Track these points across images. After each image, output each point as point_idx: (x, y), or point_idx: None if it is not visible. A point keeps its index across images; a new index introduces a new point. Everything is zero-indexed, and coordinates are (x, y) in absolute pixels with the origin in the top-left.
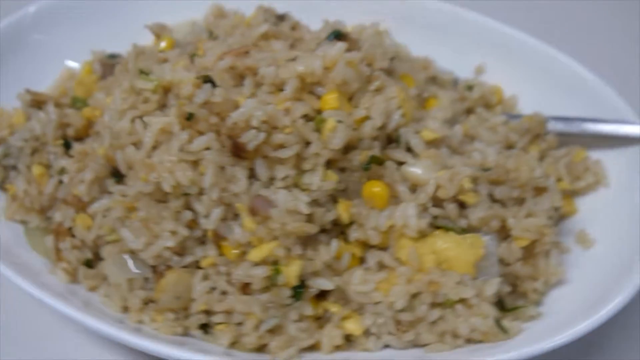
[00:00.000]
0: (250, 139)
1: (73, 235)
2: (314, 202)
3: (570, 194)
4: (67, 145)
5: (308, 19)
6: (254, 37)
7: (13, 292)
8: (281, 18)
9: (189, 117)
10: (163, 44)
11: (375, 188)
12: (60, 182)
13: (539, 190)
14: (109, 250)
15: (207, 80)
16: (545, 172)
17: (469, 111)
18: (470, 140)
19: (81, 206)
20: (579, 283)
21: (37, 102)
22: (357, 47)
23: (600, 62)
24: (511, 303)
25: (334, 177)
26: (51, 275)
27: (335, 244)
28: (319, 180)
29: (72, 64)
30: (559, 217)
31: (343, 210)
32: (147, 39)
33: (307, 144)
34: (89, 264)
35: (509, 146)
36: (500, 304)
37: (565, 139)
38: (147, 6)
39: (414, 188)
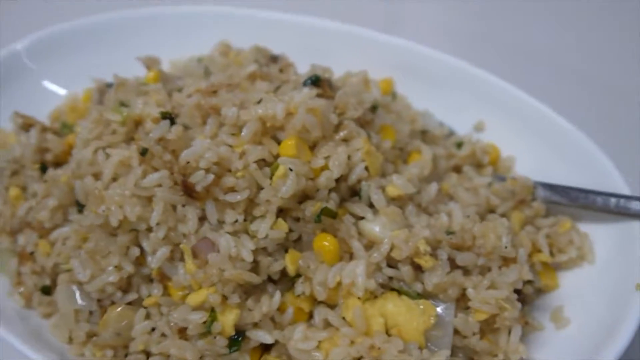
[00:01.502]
0: (199, 180)
1: (35, 261)
2: (262, 251)
3: (555, 268)
4: (43, 170)
5: (312, 61)
6: (240, 77)
7: None
8: (274, 59)
9: (144, 152)
10: (149, 76)
11: (325, 242)
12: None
13: (507, 261)
14: (63, 279)
15: (166, 116)
16: (518, 241)
17: (457, 169)
18: (448, 199)
19: (44, 232)
20: None
21: (26, 125)
22: (331, 95)
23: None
24: None
25: (283, 227)
26: (9, 297)
27: (278, 295)
28: (268, 229)
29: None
30: (538, 291)
31: (290, 262)
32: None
33: (261, 189)
34: (46, 290)
35: (490, 210)
36: None
37: (556, 208)
38: (150, 38)
39: (370, 245)
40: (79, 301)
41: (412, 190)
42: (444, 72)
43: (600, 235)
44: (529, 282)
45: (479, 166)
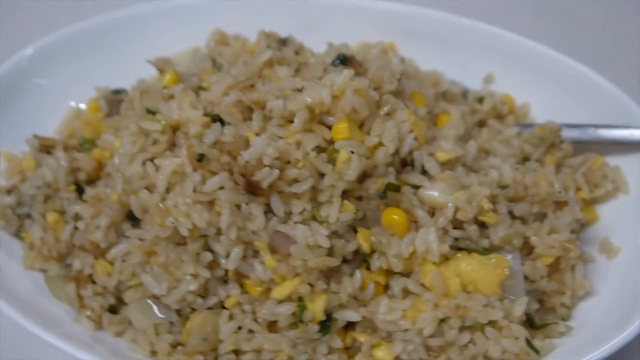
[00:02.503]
0: (264, 177)
1: (94, 282)
2: (334, 234)
3: (591, 202)
4: (79, 190)
5: (310, 38)
6: (257, 65)
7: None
8: (284, 42)
9: (200, 158)
10: (167, 78)
11: (395, 216)
12: (76, 228)
13: (559, 204)
14: (132, 296)
15: (216, 118)
16: (564, 185)
17: (481, 124)
18: (484, 155)
19: (99, 252)
20: (607, 294)
21: (45, 147)
22: (364, 71)
23: (600, 64)
24: (540, 320)
25: (351, 208)
26: (76, 323)
27: (359, 275)
28: (337, 212)
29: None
30: (581, 226)
31: (363, 240)
32: (149, 71)
33: (321, 175)
34: (113, 309)
35: (525, 158)
36: (529, 322)
37: (580, 147)
38: (144, 36)
39: (432, 211)
40: (158, 314)
41: (461, 152)
42: (442, 30)
43: (629, 166)
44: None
45: (499, 117)
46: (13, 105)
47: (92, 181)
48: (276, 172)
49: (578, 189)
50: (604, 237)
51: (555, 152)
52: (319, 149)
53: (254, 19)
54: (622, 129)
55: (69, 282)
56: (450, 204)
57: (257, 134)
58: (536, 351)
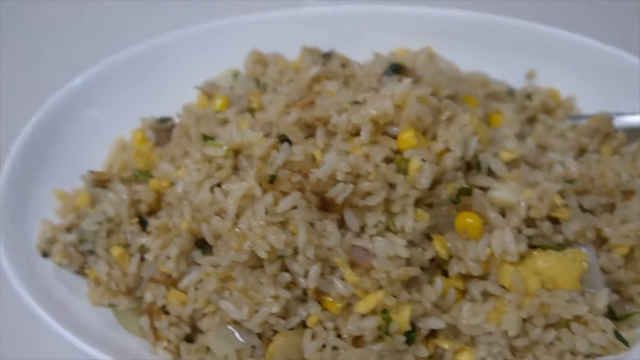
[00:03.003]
0: (339, 193)
1: (167, 312)
2: (410, 244)
3: None
4: (142, 222)
5: (346, 49)
6: (305, 82)
7: None
8: (327, 56)
9: (272, 179)
10: (219, 102)
11: (469, 219)
12: (142, 260)
13: (627, 194)
14: (209, 323)
15: (283, 139)
16: (629, 174)
17: (531, 120)
18: (542, 150)
19: (171, 282)
20: None
21: (101, 182)
22: (418, 78)
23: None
24: (620, 310)
25: (425, 216)
26: (153, 355)
27: (439, 282)
28: (412, 222)
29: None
30: None
31: (440, 247)
32: (187, 97)
33: (392, 186)
34: (189, 338)
35: (581, 150)
36: (611, 314)
37: (632, 135)
38: (178, 62)
39: (502, 212)
40: (240, 339)
41: (525, 150)
42: (476, 30)
43: None
44: None
45: (549, 112)
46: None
47: (152, 212)
48: (350, 187)
49: (639, 176)
50: None
51: (610, 142)
52: (386, 160)
53: (283, 34)
54: None
55: (141, 315)
56: (522, 203)
57: (323, 151)
58: (625, 342)
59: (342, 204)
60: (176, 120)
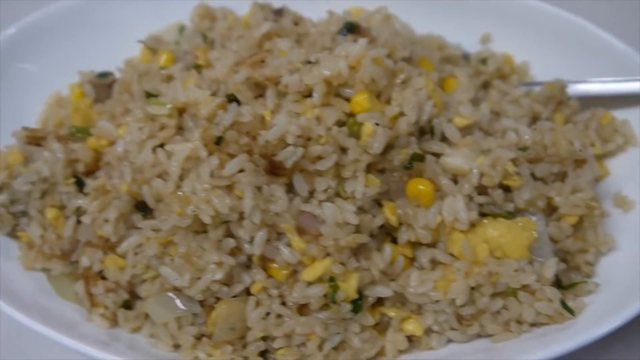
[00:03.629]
0: (288, 157)
1: (104, 278)
2: (360, 210)
3: (600, 156)
4: (79, 183)
5: (300, 6)
6: (256, 39)
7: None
8: (279, 13)
9: (218, 141)
10: (164, 58)
11: (420, 186)
12: (79, 222)
13: (578, 162)
14: (148, 289)
15: (232, 98)
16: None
17: (486, 85)
18: (496, 117)
19: (109, 246)
20: (628, 248)
21: (35, 139)
22: (372, 38)
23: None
24: (567, 279)
25: (376, 182)
26: (88, 322)
27: (388, 249)
28: (363, 187)
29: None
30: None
31: (390, 214)
32: (131, 51)
33: (343, 150)
34: (127, 305)
35: (535, 118)
36: (557, 282)
37: (585, 102)
38: (120, 14)
39: (454, 179)
40: (181, 307)
41: (480, 117)
42: None
43: (636, 119)
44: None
45: (503, 78)
46: None
47: (90, 172)
48: (300, 150)
49: (591, 144)
50: (616, 191)
51: (563, 110)
52: (339, 123)
53: None
54: (627, 81)
55: (76, 281)
56: (475, 170)
57: (273, 112)
58: (571, 311)
59: (292, 168)
60: (117, 75)
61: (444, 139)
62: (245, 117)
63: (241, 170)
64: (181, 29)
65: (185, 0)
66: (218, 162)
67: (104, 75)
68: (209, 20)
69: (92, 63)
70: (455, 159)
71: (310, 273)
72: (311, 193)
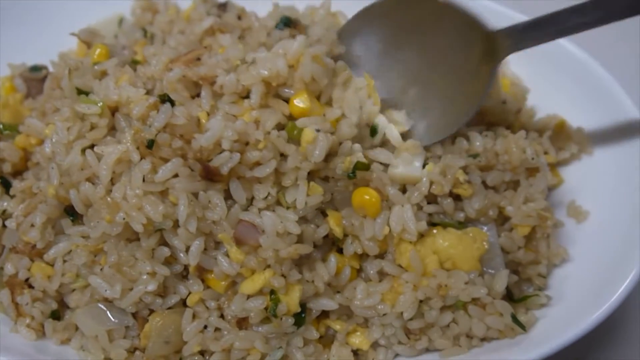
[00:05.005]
0: (224, 162)
1: (31, 286)
2: (302, 220)
3: (554, 165)
4: (5, 184)
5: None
6: (197, 34)
7: None
8: (223, 7)
9: (150, 144)
10: (97, 52)
11: (366, 196)
12: (4, 226)
13: (531, 171)
14: (78, 299)
15: (165, 98)
16: (535, 150)
17: None
18: None
19: (36, 253)
20: (580, 260)
21: None
22: (307, 34)
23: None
24: (518, 292)
25: (318, 190)
26: (14, 334)
27: (334, 260)
28: (304, 196)
29: None
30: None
31: (335, 225)
32: (68, 44)
33: (283, 156)
34: (56, 315)
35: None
36: (509, 295)
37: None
38: (61, 5)
39: (403, 188)
40: (112, 319)
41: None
42: None
43: (591, 126)
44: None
45: None
46: None
47: (17, 173)
48: (237, 156)
49: (545, 152)
50: (570, 200)
51: (520, 117)
52: (278, 127)
53: None
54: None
55: (1, 289)
56: (424, 179)
57: (209, 113)
58: (522, 326)
59: (229, 174)
60: (51, 69)
61: (384, 144)
62: (179, 119)
63: (175, 175)
64: (121, 21)
65: None
66: (150, 166)
67: (36, 68)
68: (151, 12)
69: (26, 55)
70: (403, 167)
71: (249, 286)
72: (251, 201)
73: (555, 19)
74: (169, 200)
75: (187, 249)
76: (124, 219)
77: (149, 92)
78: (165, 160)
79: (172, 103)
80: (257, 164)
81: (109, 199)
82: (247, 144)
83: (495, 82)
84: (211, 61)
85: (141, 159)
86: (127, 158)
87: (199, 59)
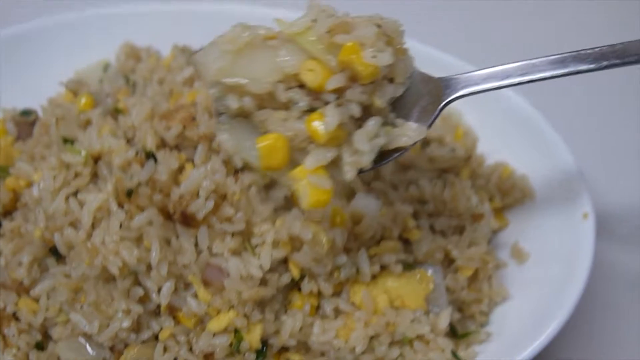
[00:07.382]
0: (199, 208)
1: (17, 319)
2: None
3: (500, 209)
4: None
5: None
6: (177, 83)
7: None
8: None
9: (129, 193)
10: (83, 102)
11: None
12: None
13: (476, 217)
14: (60, 332)
15: (150, 155)
16: (480, 198)
17: None
18: (403, 169)
19: (22, 289)
20: (520, 298)
21: None
22: None
23: None
24: (462, 328)
25: (286, 247)
26: None
27: (299, 316)
28: (270, 256)
29: None
30: (492, 232)
31: (294, 268)
32: (56, 88)
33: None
34: (40, 346)
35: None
36: (452, 331)
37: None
38: (47, 49)
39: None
40: (90, 352)
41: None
42: None
43: (534, 173)
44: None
45: None
46: None
47: (7, 213)
48: (211, 203)
49: (490, 198)
50: (514, 242)
51: (470, 164)
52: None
53: (165, 29)
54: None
55: None
56: (376, 225)
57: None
58: None
59: (203, 220)
60: (40, 113)
61: None
62: (162, 176)
63: (150, 223)
64: (106, 67)
65: (113, 39)
66: (125, 215)
67: (26, 113)
68: (134, 59)
69: (16, 99)
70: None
71: (215, 325)
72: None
73: (501, 73)
74: (144, 245)
75: (159, 290)
76: (102, 262)
77: (129, 141)
78: (141, 209)
79: (155, 160)
80: (229, 220)
81: (89, 243)
82: (224, 197)
83: (448, 131)
84: (210, 122)
85: (120, 205)
86: (107, 206)
87: (194, 119)
